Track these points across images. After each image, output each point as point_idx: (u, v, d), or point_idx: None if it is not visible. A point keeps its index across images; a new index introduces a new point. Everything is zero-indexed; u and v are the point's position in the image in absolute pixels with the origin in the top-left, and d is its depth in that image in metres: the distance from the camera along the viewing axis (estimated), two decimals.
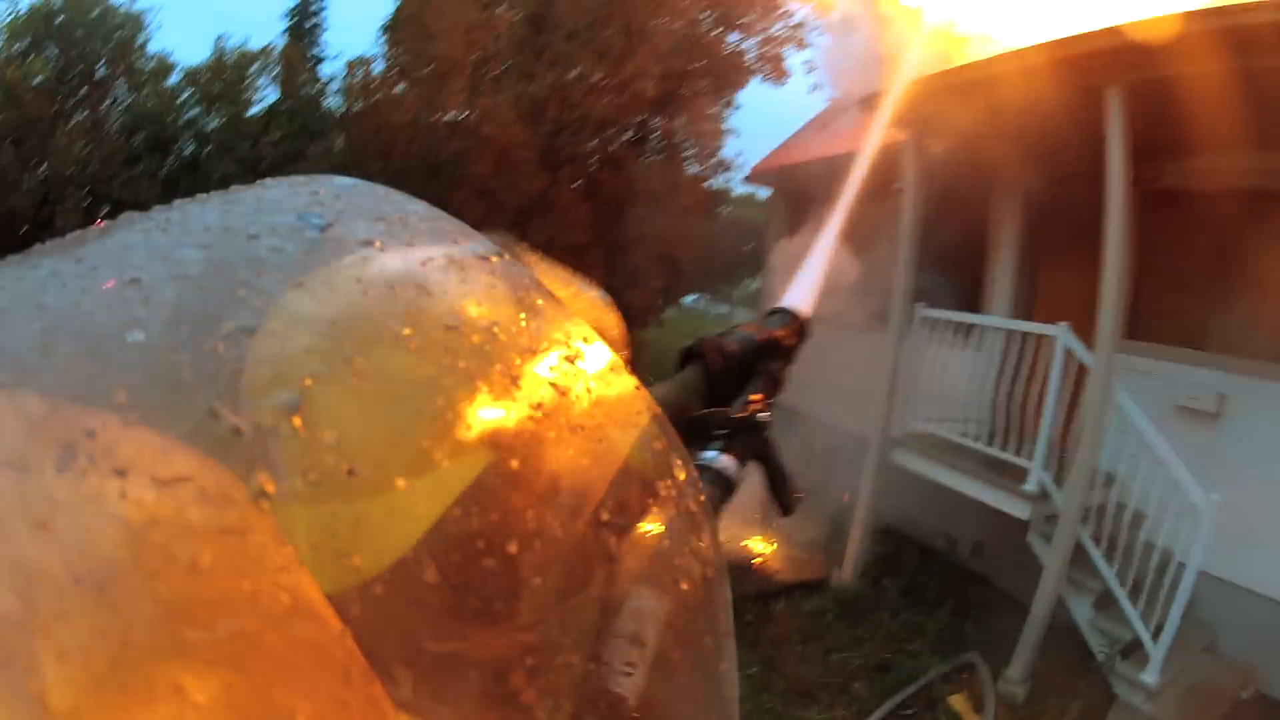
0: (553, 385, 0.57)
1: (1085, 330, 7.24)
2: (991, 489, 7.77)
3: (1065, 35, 7.33)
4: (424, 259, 0.57)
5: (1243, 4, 6.13)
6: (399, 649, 0.51)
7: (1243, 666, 7.24)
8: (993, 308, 10.62)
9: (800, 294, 1.21)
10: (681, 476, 0.64)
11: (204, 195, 0.58)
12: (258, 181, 0.60)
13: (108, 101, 24.48)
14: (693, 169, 27.43)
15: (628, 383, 0.62)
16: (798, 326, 1.12)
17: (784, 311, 1.13)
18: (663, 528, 0.61)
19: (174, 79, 25.41)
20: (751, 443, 0.88)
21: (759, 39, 27.46)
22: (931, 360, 9.60)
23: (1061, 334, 7.40)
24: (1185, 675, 6.91)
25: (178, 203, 0.56)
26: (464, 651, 0.53)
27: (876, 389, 10.31)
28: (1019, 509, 7.53)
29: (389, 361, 0.55)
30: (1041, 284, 10.79)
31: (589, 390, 0.59)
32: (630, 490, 0.61)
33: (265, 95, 26.05)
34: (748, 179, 21.66)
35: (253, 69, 25.80)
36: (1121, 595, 6.76)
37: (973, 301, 10.69)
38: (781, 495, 0.93)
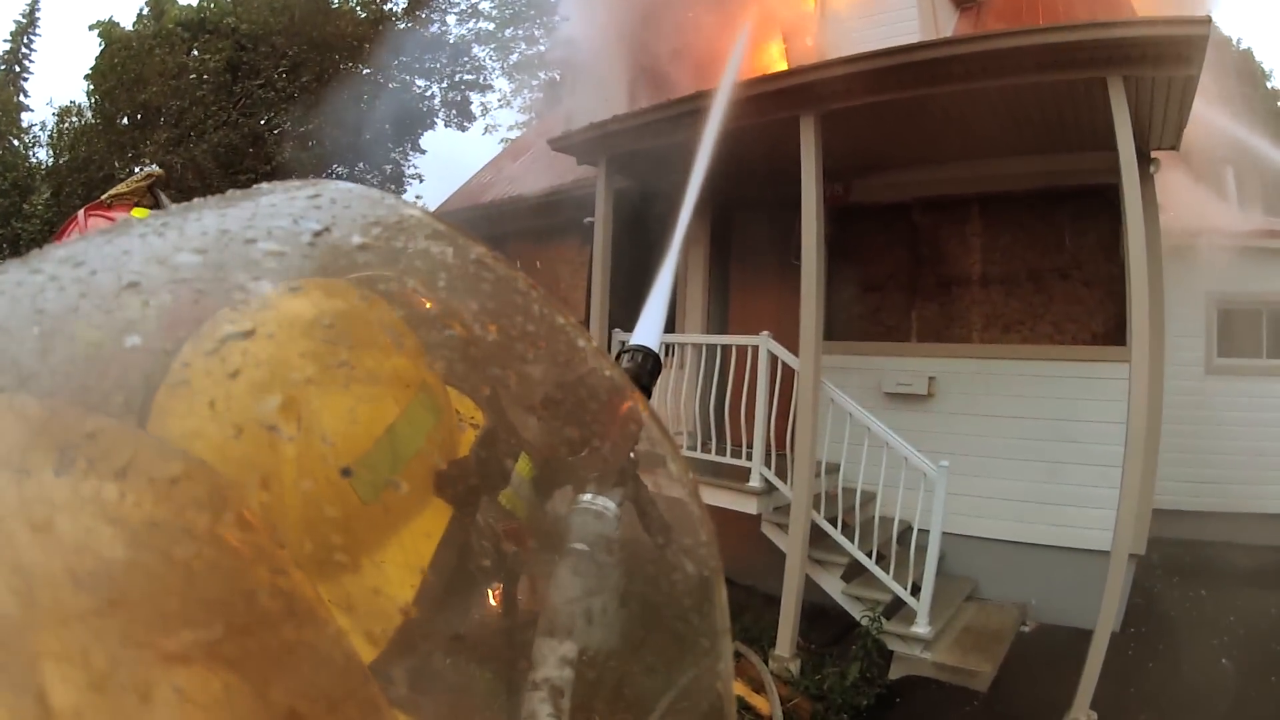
0: (555, 384, 0.58)
1: (786, 338, 7.71)
2: (715, 490, 8.00)
3: (759, 75, 7.98)
4: (420, 263, 0.58)
5: (911, 45, 7.44)
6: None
7: (1012, 605, 7.94)
8: (687, 326, 10.94)
9: (648, 332, 1.26)
10: (675, 472, 0.66)
11: (201, 200, 0.56)
12: (254, 187, 0.58)
13: None
14: None
15: (623, 381, 0.63)
16: (651, 363, 1.16)
17: (637, 349, 1.17)
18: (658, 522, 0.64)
19: None
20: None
21: (445, 85, 27.75)
22: None
23: (764, 342, 7.76)
24: (957, 621, 7.51)
25: (175, 207, 0.55)
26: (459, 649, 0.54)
27: None
28: (747, 505, 7.78)
29: (384, 364, 0.55)
30: (734, 301, 11.24)
31: (589, 389, 0.60)
32: (626, 487, 0.63)
33: None
34: None
35: None
36: (869, 564, 7.18)
37: (670, 323, 10.86)
38: (654, 529, 0.97)
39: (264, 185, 0.60)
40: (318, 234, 0.55)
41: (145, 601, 0.42)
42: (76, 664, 0.39)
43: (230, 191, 0.58)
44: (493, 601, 0.66)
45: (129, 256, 0.50)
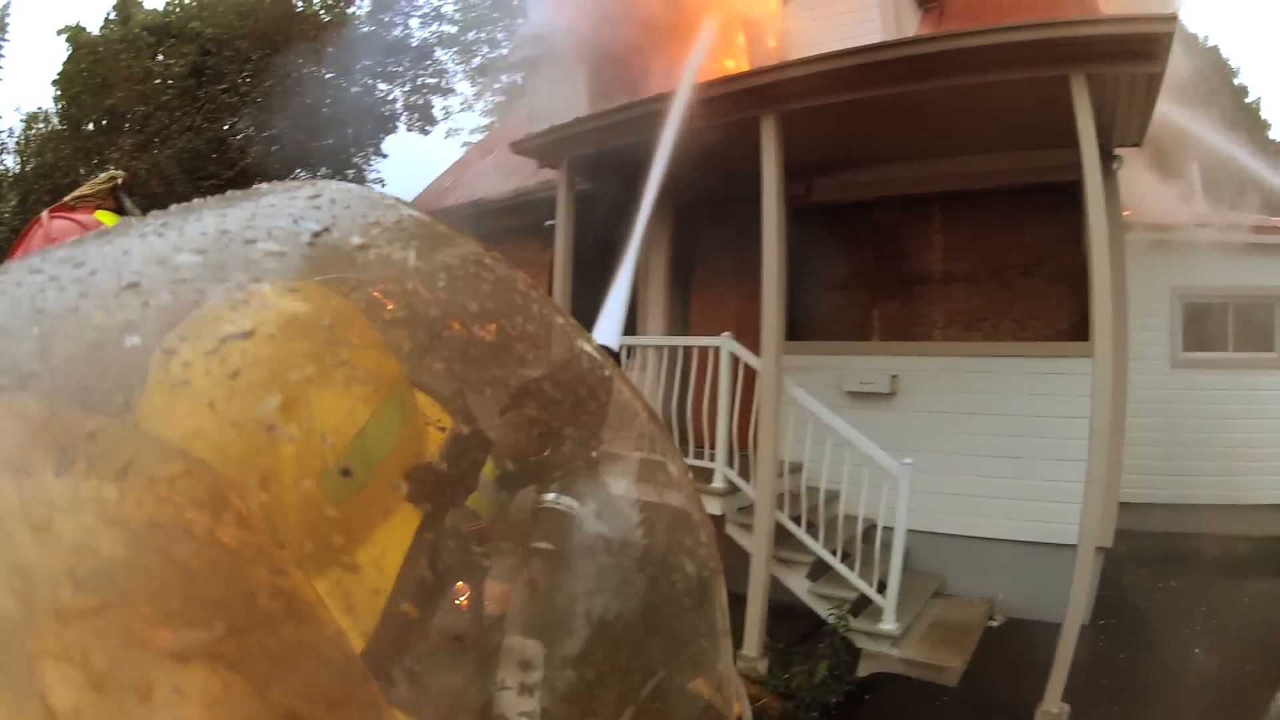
0: (553, 384, 0.58)
1: (748, 339, 7.68)
2: None
3: (720, 75, 7.96)
4: (419, 263, 0.57)
5: (872, 45, 7.40)
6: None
7: (980, 600, 8.00)
8: (649, 328, 10.85)
9: (608, 330, 1.27)
10: (674, 473, 0.66)
11: (200, 200, 0.55)
12: (254, 187, 0.58)
13: None
14: None
15: (622, 383, 0.63)
16: (611, 362, 1.16)
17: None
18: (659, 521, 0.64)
19: None
20: None
21: (407, 88, 27.40)
22: None
23: (725, 343, 7.73)
24: (925, 617, 7.53)
25: (175, 208, 0.54)
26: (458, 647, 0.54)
27: None
28: (710, 506, 7.66)
29: (384, 364, 0.54)
30: (696, 302, 11.19)
31: (590, 389, 0.60)
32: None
33: None
34: None
35: None
36: (835, 562, 7.15)
37: (631, 325, 10.74)
38: (628, 526, 0.97)
39: (264, 185, 0.60)
40: (317, 234, 0.55)
41: (145, 602, 0.42)
42: (76, 664, 0.39)
43: (230, 192, 0.58)
44: (461, 603, 0.65)
45: (129, 256, 0.50)
